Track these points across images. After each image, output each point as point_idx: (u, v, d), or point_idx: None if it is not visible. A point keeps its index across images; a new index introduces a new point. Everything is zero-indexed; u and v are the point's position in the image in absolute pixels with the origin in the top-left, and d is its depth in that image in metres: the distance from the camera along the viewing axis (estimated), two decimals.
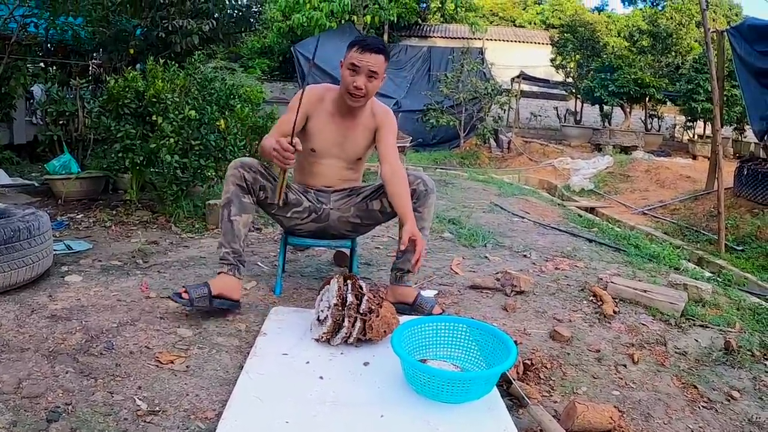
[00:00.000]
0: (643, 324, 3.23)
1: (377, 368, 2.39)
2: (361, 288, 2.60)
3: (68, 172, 5.41)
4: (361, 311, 2.50)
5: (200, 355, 2.47)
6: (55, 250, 3.46)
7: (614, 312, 3.33)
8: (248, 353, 2.45)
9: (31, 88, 7.73)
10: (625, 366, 2.77)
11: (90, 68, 7.75)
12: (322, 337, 2.52)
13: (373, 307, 2.52)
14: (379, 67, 2.92)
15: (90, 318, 2.72)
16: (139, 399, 2.08)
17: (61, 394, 2.07)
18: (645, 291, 3.55)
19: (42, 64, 7.66)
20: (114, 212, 4.90)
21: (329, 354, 2.47)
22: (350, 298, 2.52)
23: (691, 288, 3.75)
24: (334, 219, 3.16)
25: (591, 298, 3.55)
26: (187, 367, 2.35)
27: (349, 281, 2.62)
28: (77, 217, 4.77)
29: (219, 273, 2.87)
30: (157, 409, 2.04)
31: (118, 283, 3.25)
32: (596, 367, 2.72)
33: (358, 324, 2.50)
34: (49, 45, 7.83)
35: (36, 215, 3.16)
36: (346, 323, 2.48)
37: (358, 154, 3.17)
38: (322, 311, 2.58)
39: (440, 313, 3.03)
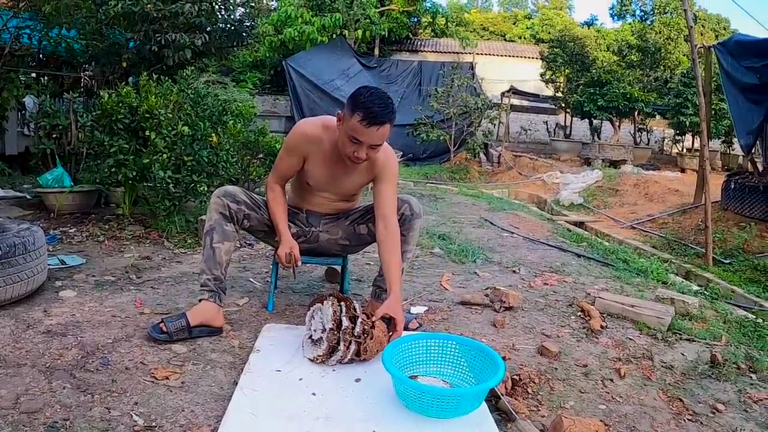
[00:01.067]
0: (630, 338, 3.28)
1: (369, 384, 2.42)
2: (355, 310, 2.62)
3: (61, 185, 5.42)
4: (356, 334, 2.53)
5: (195, 371, 2.50)
6: (48, 264, 3.48)
7: (601, 327, 3.38)
8: (242, 369, 2.49)
9: (24, 99, 7.74)
10: (611, 380, 2.81)
11: (82, 80, 7.76)
12: (317, 359, 2.54)
13: (366, 329, 2.55)
14: (384, 136, 2.72)
15: (85, 334, 2.75)
16: (136, 415, 2.11)
17: (58, 410, 2.09)
18: (632, 306, 3.60)
19: (34, 75, 7.69)
20: (107, 227, 4.92)
21: (321, 371, 2.51)
22: (345, 322, 2.53)
23: (677, 302, 3.80)
24: (323, 241, 3.19)
25: (579, 313, 3.60)
26: (182, 383, 2.38)
27: (343, 304, 2.62)
28: (70, 231, 4.79)
29: (200, 300, 2.87)
30: (154, 424, 2.07)
31: (112, 298, 3.27)
32: (583, 382, 2.77)
33: (353, 347, 2.53)
34: (41, 56, 7.84)
35: (31, 230, 3.18)
36: (341, 347, 2.51)
37: (353, 192, 3.16)
38: (315, 331, 2.61)
39: (415, 328, 3.08)
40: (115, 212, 5.32)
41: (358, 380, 2.45)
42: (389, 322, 2.65)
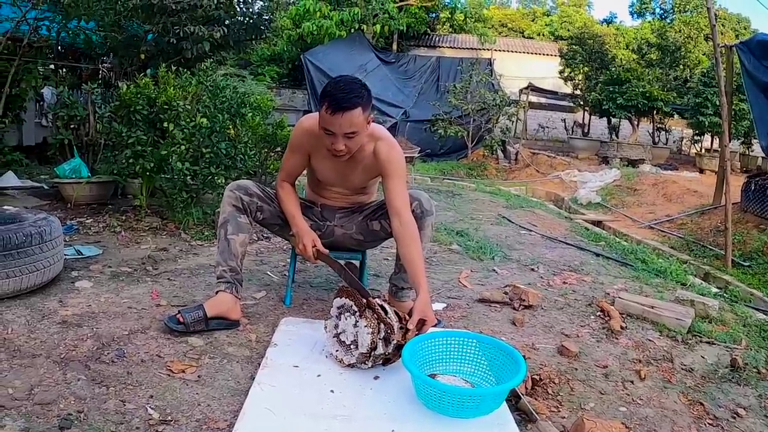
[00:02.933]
0: (650, 340, 3.23)
1: (387, 382, 2.40)
2: (392, 330, 2.44)
3: (78, 176, 5.42)
4: (387, 354, 2.45)
5: (211, 364, 2.48)
6: (65, 255, 3.47)
7: (621, 328, 3.34)
8: (259, 364, 2.46)
9: (42, 91, 7.78)
10: (632, 382, 2.77)
11: (100, 72, 7.79)
12: (342, 363, 2.48)
13: (398, 350, 2.44)
14: (357, 124, 2.60)
15: (101, 325, 2.73)
16: (151, 408, 2.09)
17: (73, 402, 2.08)
18: (652, 307, 3.55)
19: (52, 67, 7.72)
20: (123, 218, 4.92)
21: (340, 367, 2.48)
22: (380, 348, 2.42)
23: (697, 304, 3.75)
24: (338, 235, 3.14)
25: (598, 313, 3.56)
26: (198, 376, 2.36)
27: (382, 327, 2.44)
28: (87, 221, 4.79)
29: (217, 292, 2.86)
30: (169, 418, 2.05)
31: (129, 289, 3.26)
32: (603, 383, 2.73)
33: (380, 361, 2.48)
34: (60, 48, 7.86)
35: (48, 220, 3.17)
36: (369, 363, 2.45)
37: (362, 185, 3.09)
38: (344, 332, 2.51)
39: (434, 325, 3.03)
40: (132, 203, 5.32)
41: (376, 378, 2.42)
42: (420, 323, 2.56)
